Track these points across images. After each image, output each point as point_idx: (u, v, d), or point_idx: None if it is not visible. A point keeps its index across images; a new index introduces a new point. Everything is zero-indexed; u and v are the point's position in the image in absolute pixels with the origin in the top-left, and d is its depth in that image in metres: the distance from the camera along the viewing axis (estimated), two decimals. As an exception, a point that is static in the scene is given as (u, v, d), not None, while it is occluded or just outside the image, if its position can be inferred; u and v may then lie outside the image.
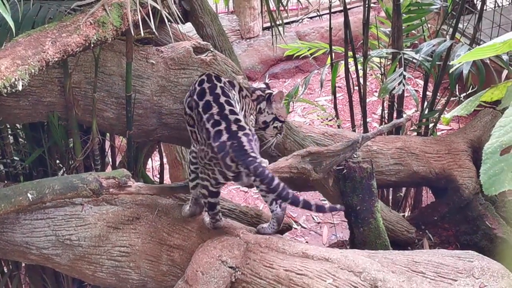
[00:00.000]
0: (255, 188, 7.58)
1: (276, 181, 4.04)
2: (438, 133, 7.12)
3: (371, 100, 9.34)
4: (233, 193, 8.13)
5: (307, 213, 7.97)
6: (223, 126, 4.15)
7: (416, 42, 7.04)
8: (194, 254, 4.19)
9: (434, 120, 6.32)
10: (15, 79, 3.55)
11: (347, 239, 5.74)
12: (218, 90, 4.32)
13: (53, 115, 4.80)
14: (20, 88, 3.59)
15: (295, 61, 10.44)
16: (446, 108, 6.27)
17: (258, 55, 10.73)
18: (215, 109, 4.22)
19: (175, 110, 4.83)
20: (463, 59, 3.47)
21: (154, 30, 4.12)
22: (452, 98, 6.39)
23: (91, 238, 4.66)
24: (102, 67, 4.77)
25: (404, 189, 6.53)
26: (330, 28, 6.69)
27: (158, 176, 6.18)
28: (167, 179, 7.20)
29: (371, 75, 8.38)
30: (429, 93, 6.70)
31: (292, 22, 10.88)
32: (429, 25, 6.77)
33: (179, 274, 4.43)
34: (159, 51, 4.92)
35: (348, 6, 6.76)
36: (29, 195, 3.89)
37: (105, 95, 4.81)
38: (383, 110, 6.64)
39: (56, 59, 3.83)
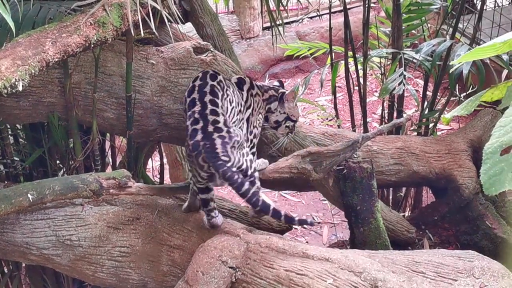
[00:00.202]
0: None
1: (246, 186, 4.09)
2: (438, 133, 7.13)
3: (371, 100, 9.35)
4: (233, 193, 8.11)
5: (307, 213, 7.97)
6: (199, 125, 4.18)
7: (416, 42, 7.04)
8: (194, 254, 4.19)
9: (434, 120, 6.31)
10: (15, 79, 3.55)
11: (347, 239, 5.73)
12: (207, 89, 4.31)
13: (53, 115, 4.80)
14: (20, 88, 3.59)
15: (295, 61, 10.44)
16: (446, 108, 6.27)
17: (258, 55, 10.73)
18: (197, 107, 4.25)
19: (175, 110, 4.83)
20: (463, 59, 3.47)
21: (154, 30, 4.12)
22: (452, 98, 6.39)
23: (92, 238, 4.66)
24: (102, 68, 4.77)
25: (404, 189, 6.52)
26: (330, 28, 6.69)
27: (158, 176, 6.18)
28: (167, 179, 7.20)
29: (371, 75, 8.38)
30: (429, 93, 6.70)
31: (292, 22, 10.89)
32: (429, 25, 6.76)
33: (179, 274, 4.43)
34: (159, 51, 4.92)
35: (348, 6, 6.76)
36: (29, 195, 3.89)
37: (105, 95, 4.82)
38: (383, 110, 6.64)
39: (56, 59, 3.83)
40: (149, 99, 4.86)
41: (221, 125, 4.17)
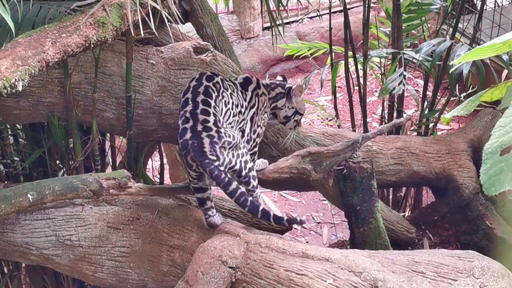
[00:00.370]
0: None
1: (233, 186, 4.10)
2: (438, 133, 7.13)
3: (371, 100, 9.35)
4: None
5: (307, 213, 7.98)
6: (189, 124, 4.19)
7: (416, 42, 7.04)
8: (194, 254, 4.19)
9: (434, 120, 6.32)
10: (15, 79, 3.55)
11: (347, 239, 5.73)
12: (201, 89, 4.32)
13: (53, 115, 4.80)
14: (20, 88, 3.59)
15: (295, 61, 10.44)
16: (446, 108, 6.27)
17: (258, 55, 10.73)
18: (189, 107, 4.26)
19: (175, 110, 4.83)
20: (463, 59, 3.47)
21: (154, 31, 4.12)
22: (452, 98, 6.39)
23: (91, 238, 4.66)
24: (102, 68, 4.77)
25: (404, 189, 6.53)
26: (330, 28, 6.69)
27: (158, 176, 6.18)
28: (167, 179, 7.21)
29: (371, 75, 8.38)
30: (429, 93, 6.70)
31: (292, 22, 10.88)
32: (429, 25, 6.77)
33: (179, 274, 4.43)
34: (159, 52, 4.93)
35: (348, 6, 6.76)
36: (29, 196, 3.89)
37: (105, 96, 4.82)
38: (383, 110, 6.65)
39: (56, 59, 3.83)
40: (149, 99, 4.87)
41: (210, 124, 4.18)
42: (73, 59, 4.53)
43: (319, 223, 7.86)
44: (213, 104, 4.28)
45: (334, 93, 6.84)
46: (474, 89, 6.06)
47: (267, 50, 10.62)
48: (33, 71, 3.66)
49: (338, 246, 6.11)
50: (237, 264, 4.08)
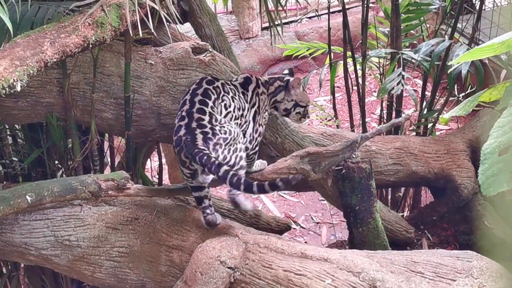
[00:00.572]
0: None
1: (225, 167, 4.04)
2: (437, 133, 7.12)
3: (370, 100, 9.34)
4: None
5: (306, 213, 7.97)
6: (184, 122, 4.23)
7: (415, 42, 7.04)
8: (193, 254, 4.19)
9: (433, 120, 6.32)
10: (14, 80, 3.55)
11: (346, 239, 5.74)
12: (200, 91, 4.36)
13: (51, 115, 4.80)
14: (18, 89, 3.59)
15: (294, 61, 10.42)
16: (445, 108, 6.27)
17: (257, 55, 10.72)
18: (186, 107, 4.31)
19: (173, 111, 4.82)
20: (461, 59, 3.47)
21: (152, 31, 4.12)
22: (451, 98, 6.39)
23: (90, 238, 4.66)
24: (101, 68, 4.77)
25: (403, 189, 6.52)
26: (329, 28, 6.68)
27: (157, 176, 6.18)
28: (166, 180, 7.20)
29: (370, 75, 8.37)
30: (428, 93, 6.70)
31: (291, 22, 10.87)
32: (427, 25, 6.77)
33: (178, 274, 4.43)
34: (157, 52, 4.92)
35: (346, 6, 6.77)
36: (28, 197, 3.89)
37: (104, 96, 4.82)
38: (382, 110, 6.64)
39: (55, 59, 3.83)
40: (148, 100, 4.86)
41: (205, 122, 4.20)
42: (71, 59, 4.53)
43: (318, 223, 7.86)
44: (210, 104, 4.30)
45: (333, 93, 6.84)
46: (472, 89, 6.06)
47: (266, 50, 10.61)
48: (31, 72, 3.67)
49: (337, 246, 6.11)
50: (236, 264, 4.08)
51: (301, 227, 7.81)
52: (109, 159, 5.71)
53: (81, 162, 5.08)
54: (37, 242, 4.68)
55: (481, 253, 4.05)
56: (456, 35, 6.36)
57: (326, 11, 6.89)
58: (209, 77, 4.51)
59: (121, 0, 4.15)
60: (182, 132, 4.19)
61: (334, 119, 7.12)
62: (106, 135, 5.55)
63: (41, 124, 5.10)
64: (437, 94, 6.31)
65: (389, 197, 6.55)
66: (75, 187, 4.10)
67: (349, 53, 6.43)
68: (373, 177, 5.02)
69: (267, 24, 10.22)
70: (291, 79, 4.77)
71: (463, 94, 6.33)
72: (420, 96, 6.52)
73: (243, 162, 4.34)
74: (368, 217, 5.06)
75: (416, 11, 6.19)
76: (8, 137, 5.22)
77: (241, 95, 4.57)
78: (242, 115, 4.51)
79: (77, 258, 4.69)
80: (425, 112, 6.29)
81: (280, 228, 5.38)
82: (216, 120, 4.26)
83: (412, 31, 6.63)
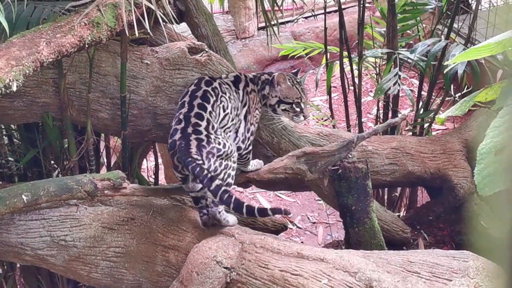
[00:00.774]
0: (250, 188, 7.62)
1: (217, 182, 4.08)
2: (433, 133, 7.13)
3: (366, 100, 9.34)
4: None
5: (302, 213, 7.98)
6: (180, 126, 4.24)
7: (411, 42, 7.04)
8: (189, 254, 4.19)
9: (429, 120, 6.32)
10: (10, 80, 3.55)
11: (343, 239, 5.74)
12: (199, 93, 4.37)
13: (47, 115, 4.79)
14: (14, 89, 3.58)
15: (290, 61, 10.42)
16: (441, 108, 6.28)
17: (253, 55, 10.72)
18: (184, 109, 4.31)
19: (170, 111, 4.82)
20: (458, 59, 3.48)
21: (148, 31, 4.12)
22: (447, 98, 6.39)
23: (86, 238, 4.66)
24: (97, 68, 4.77)
25: (399, 189, 6.53)
26: (325, 28, 6.69)
27: (153, 176, 6.18)
28: (162, 180, 7.20)
29: (366, 75, 8.37)
30: (424, 93, 6.70)
31: (287, 22, 10.87)
32: (424, 25, 6.77)
33: (174, 274, 4.42)
34: (154, 52, 4.92)
35: (343, 6, 6.77)
36: (23, 197, 3.89)
37: (100, 96, 4.81)
38: (378, 110, 6.65)
39: (51, 59, 3.82)
40: (144, 99, 4.86)
41: (201, 128, 4.20)
42: (67, 59, 4.52)
43: (314, 223, 7.86)
44: (209, 109, 4.30)
45: (329, 93, 6.83)
46: (469, 89, 6.06)
47: (262, 50, 10.61)
48: (27, 72, 3.66)
49: (333, 246, 6.11)
50: (232, 264, 4.08)
51: (298, 227, 7.80)
52: (105, 159, 5.71)
53: (77, 162, 5.08)
54: (33, 242, 4.67)
55: (477, 253, 4.05)
56: (452, 35, 6.36)
57: (323, 11, 6.90)
58: (206, 77, 4.51)
59: (117, 0, 4.14)
60: (177, 136, 4.20)
61: (331, 119, 7.13)
62: (102, 135, 5.55)
63: (37, 124, 5.10)
64: (433, 94, 6.32)
65: (386, 197, 6.55)
66: (71, 187, 4.09)
67: (345, 53, 6.43)
68: (369, 177, 5.02)
69: (263, 24, 10.21)
70: (276, 74, 4.70)
71: (459, 94, 6.33)
72: (416, 96, 6.52)
73: (230, 180, 4.34)
74: (365, 217, 5.06)
75: (412, 11, 6.19)
76: (4, 137, 5.23)
77: (234, 93, 4.57)
78: (236, 114, 4.52)
79: (73, 258, 4.68)
80: (421, 112, 6.29)
81: (276, 228, 5.38)
82: (213, 127, 4.26)
83: (408, 31, 6.63)
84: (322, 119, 8.93)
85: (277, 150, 5.08)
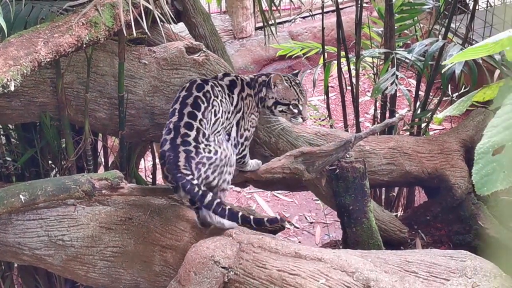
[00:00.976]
0: (248, 188, 7.62)
1: (209, 198, 4.11)
2: (431, 133, 7.13)
3: (363, 100, 9.35)
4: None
5: (299, 213, 7.98)
6: (170, 136, 4.23)
7: (409, 42, 7.04)
8: (187, 254, 4.18)
9: (427, 120, 6.32)
10: (7, 79, 3.55)
11: (340, 239, 5.74)
12: (190, 100, 4.33)
13: (45, 115, 4.79)
14: (12, 88, 3.58)
15: (288, 61, 10.43)
16: (438, 108, 6.28)
17: (250, 55, 10.72)
18: (174, 118, 4.30)
19: (167, 111, 4.80)
20: (455, 59, 3.47)
21: (146, 30, 4.12)
22: (444, 98, 6.39)
23: (84, 238, 4.65)
24: (95, 67, 4.77)
25: (396, 189, 6.53)
26: (323, 28, 6.68)
27: (151, 176, 6.17)
28: (159, 180, 7.18)
29: (364, 75, 8.38)
30: (421, 93, 6.71)
31: (285, 22, 10.86)
32: (421, 25, 6.77)
33: (172, 274, 4.42)
34: (151, 51, 4.92)
35: (340, 6, 6.76)
36: (21, 196, 3.89)
37: (98, 96, 4.81)
38: (375, 109, 6.65)
39: (48, 59, 3.83)
40: (142, 99, 4.86)
41: (190, 139, 4.19)
42: (65, 59, 4.52)
43: (311, 223, 7.86)
44: (199, 117, 4.28)
45: (326, 93, 6.84)
46: (466, 89, 6.07)
47: (260, 50, 10.61)
48: (25, 71, 3.66)
49: (331, 246, 6.11)
50: (230, 264, 4.08)
51: (295, 227, 7.80)
52: (103, 159, 5.71)
53: (75, 162, 5.07)
54: (30, 242, 4.67)
55: (475, 252, 4.06)
56: (450, 35, 6.37)
57: (320, 11, 6.90)
58: (198, 81, 4.47)
59: (115, 0, 4.14)
60: (167, 147, 4.21)
61: (328, 119, 7.13)
62: (100, 134, 5.54)
63: (34, 124, 5.10)
64: (430, 94, 6.32)
65: (383, 196, 6.55)
66: (69, 186, 4.09)
67: (343, 53, 6.44)
68: (367, 177, 5.03)
69: (261, 24, 10.23)
70: (273, 75, 4.67)
71: (456, 94, 6.35)
72: (413, 96, 6.53)
73: (225, 185, 4.36)
74: (362, 217, 5.06)
75: (409, 11, 6.19)
76: (1, 136, 5.22)
77: (227, 96, 4.53)
78: (227, 118, 4.50)
79: (70, 258, 4.68)
80: (418, 112, 6.29)
81: (274, 228, 5.38)
82: (204, 135, 4.24)
83: (405, 31, 6.64)
84: (320, 119, 8.94)
85: (274, 150, 5.09)
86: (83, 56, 4.68)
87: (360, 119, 6.95)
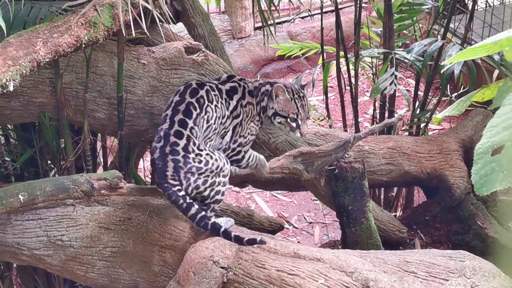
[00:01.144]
0: (246, 188, 7.62)
1: (193, 211, 4.16)
2: (430, 133, 7.13)
3: (362, 100, 9.35)
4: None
5: (298, 213, 7.98)
6: (160, 144, 4.22)
7: (408, 42, 7.04)
8: (185, 254, 4.18)
9: (426, 120, 6.32)
10: (6, 79, 3.55)
11: (339, 239, 5.74)
12: (182, 107, 4.28)
13: (44, 115, 4.79)
14: (11, 88, 3.58)
15: (287, 61, 10.43)
16: (437, 108, 6.28)
17: (249, 55, 10.72)
18: (165, 125, 4.27)
19: (166, 111, 4.82)
20: (454, 59, 3.47)
21: (145, 31, 4.11)
22: (443, 98, 6.39)
23: (83, 238, 4.65)
24: (94, 68, 4.77)
25: (395, 189, 6.53)
26: (322, 28, 6.69)
27: (150, 176, 6.17)
28: (158, 180, 7.18)
29: (363, 75, 8.38)
30: (420, 93, 6.71)
31: (284, 22, 10.87)
32: (420, 25, 6.78)
33: (171, 274, 4.42)
34: (150, 51, 4.92)
35: (339, 6, 6.76)
36: (20, 196, 3.88)
37: (97, 96, 4.81)
38: (374, 110, 6.65)
39: (48, 59, 3.83)
40: (141, 99, 4.86)
41: (179, 148, 4.18)
42: (64, 59, 4.52)
43: (310, 223, 7.86)
44: (190, 125, 4.24)
45: (325, 93, 6.84)
46: (465, 89, 6.08)
47: (259, 50, 10.61)
48: (24, 71, 3.66)
49: (330, 246, 6.12)
50: (229, 264, 4.07)
51: (294, 227, 7.81)
52: (101, 159, 5.71)
53: (74, 162, 5.07)
54: (29, 242, 4.67)
55: (473, 252, 4.06)
56: (449, 35, 6.37)
57: (319, 11, 6.89)
58: (193, 84, 4.38)
59: (114, 0, 4.14)
60: (156, 155, 4.22)
61: (327, 119, 7.13)
62: (99, 135, 5.54)
63: (33, 124, 5.10)
64: (429, 94, 6.32)
65: (382, 197, 6.56)
66: (68, 186, 4.09)
67: (342, 53, 6.44)
68: (366, 177, 5.03)
69: (260, 24, 10.23)
70: (276, 85, 4.55)
71: (455, 94, 6.35)
72: (412, 96, 6.53)
73: (219, 197, 4.35)
74: (361, 217, 5.06)
75: (408, 11, 6.19)
76: (0, 137, 5.22)
77: (223, 101, 4.47)
78: (221, 122, 4.44)
79: (69, 258, 4.68)
80: (417, 112, 6.30)
81: (273, 228, 5.39)
82: (194, 144, 4.22)
83: (404, 31, 6.65)
84: (319, 119, 8.93)
85: (273, 150, 5.09)
86: (82, 56, 4.68)
87: (359, 119, 6.96)
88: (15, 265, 5.64)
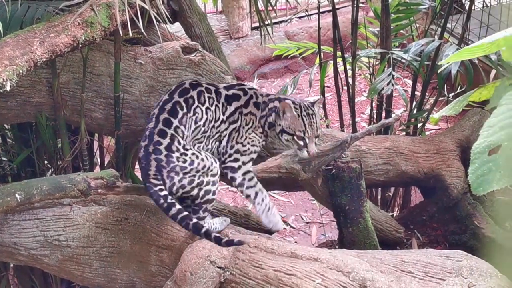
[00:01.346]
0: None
1: (173, 211, 4.16)
2: (427, 133, 7.14)
3: (360, 100, 9.34)
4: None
5: (296, 213, 7.97)
6: (144, 143, 4.22)
7: (405, 42, 7.04)
8: (182, 254, 4.18)
9: (423, 120, 6.32)
10: (3, 79, 3.55)
11: (336, 239, 5.74)
12: (168, 106, 4.25)
13: (41, 115, 4.79)
14: (8, 88, 3.58)
15: (284, 61, 10.42)
16: (434, 108, 6.28)
17: (247, 55, 10.71)
18: (151, 124, 4.26)
19: (163, 110, 4.82)
20: (451, 59, 3.48)
21: (142, 30, 4.11)
22: (440, 98, 6.40)
23: (80, 238, 4.65)
24: (91, 67, 4.77)
25: (392, 189, 6.53)
26: (319, 28, 6.68)
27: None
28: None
29: (360, 75, 8.37)
30: (417, 93, 6.71)
31: (281, 22, 10.87)
32: (417, 25, 6.77)
33: (167, 274, 4.42)
34: (147, 51, 4.92)
35: (336, 6, 6.77)
36: (17, 195, 3.88)
37: (94, 95, 4.81)
38: (371, 110, 6.65)
39: (44, 59, 3.82)
40: (138, 99, 4.86)
41: (162, 147, 4.17)
42: (61, 59, 4.52)
43: (308, 223, 7.86)
44: (175, 124, 4.21)
45: (322, 93, 6.83)
46: (462, 89, 6.07)
47: (256, 50, 10.60)
48: (21, 71, 3.66)
49: (327, 246, 6.11)
50: (226, 264, 4.08)
51: (291, 227, 7.80)
52: (98, 159, 5.71)
53: (71, 162, 5.07)
54: (26, 242, 4.66)
55: (471, 252, 4.06)
56: (446, 35, 6.37)
57: (316, 11, 6.90)
58: (186, 84, 4.35)
59: (111, 0, 4.14)
60: (141, 154, 4.23)
61: (324, 119, 7.12)
62: (96, 134, 5.54)
63: (30, 124, 5.10)
64: (427, 94, 6.32)
65: (379, 196, 6.55)
66: (65, 185, 4.09)
67: (339, 53, 6.43)
68: (363, 177, 5.02)
69: (257, 24, 10.21)
70: (283, 102, 4.40)
71: (452, 94, 6.34)
72: (410, 96, 6.53)
73: (210, 196, 4.32)
74: (358, 217, 5.06)
75: (406, 11, 6.19)
76: (-3, 136, 5.22)
77: (219, 105, 4.41)
78: (214, 126, 4.39)
79: (66, 258, 4.67)
80: (415, 112, 6.29)
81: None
82: (179, 143, 4.20)
83: (402, 31, 6.63)
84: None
85: (270, 150, 5.08)
86: (79, 56, 4.68)
87: (356, 119, 6.95)
88: (12, 265, 5.64)
